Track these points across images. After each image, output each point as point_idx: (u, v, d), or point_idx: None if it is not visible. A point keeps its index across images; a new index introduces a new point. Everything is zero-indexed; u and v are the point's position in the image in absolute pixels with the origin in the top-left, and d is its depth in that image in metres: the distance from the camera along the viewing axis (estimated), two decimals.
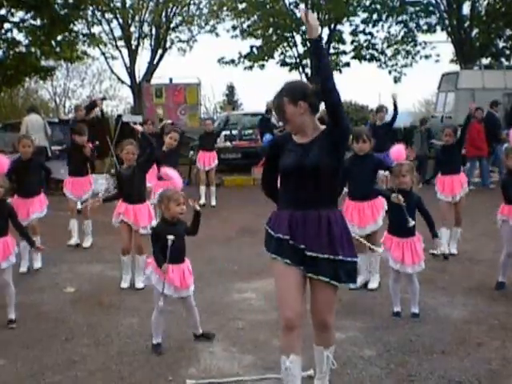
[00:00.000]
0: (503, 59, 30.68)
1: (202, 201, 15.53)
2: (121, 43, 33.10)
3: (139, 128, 10.29)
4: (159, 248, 6.40)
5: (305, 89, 4.89)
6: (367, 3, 30.18)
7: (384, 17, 30.45)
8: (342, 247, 4.84)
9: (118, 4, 31.12)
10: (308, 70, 31.34)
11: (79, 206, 11.69)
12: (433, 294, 8.24)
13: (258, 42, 31.52)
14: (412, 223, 7.24)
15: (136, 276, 8.88)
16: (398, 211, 7.35)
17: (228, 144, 22.05)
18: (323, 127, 4.92)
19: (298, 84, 5.01)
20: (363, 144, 8.40)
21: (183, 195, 6.49)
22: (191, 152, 16.22)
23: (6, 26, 22.99)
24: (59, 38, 23.59)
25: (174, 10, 32.69)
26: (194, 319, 6.73)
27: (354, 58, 31.25)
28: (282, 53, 31.70)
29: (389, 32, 31.23)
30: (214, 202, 15.75)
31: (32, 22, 23.10)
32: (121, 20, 31.96)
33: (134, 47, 33.15)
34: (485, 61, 30.25)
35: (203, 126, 16.69)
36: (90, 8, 29.36)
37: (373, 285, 8.64)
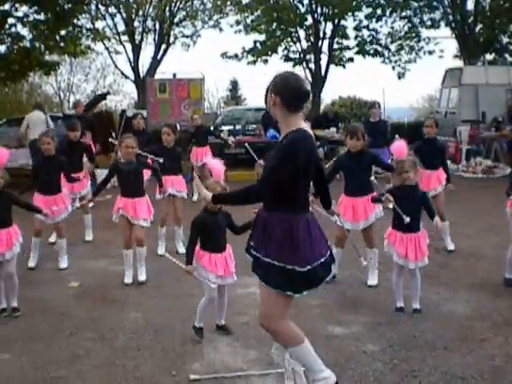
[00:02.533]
0: (507, 55, 30.62)
1: (195, 197, 15.50)
2: (124, 38, 33.10)
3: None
4: (195, 239, 6.55)
5: (283, 84, 4.87)
6: None
7: (388, 12, 30.38)
8: (277, 250, 4.85)
9: None
10: (312, 66, 31.29)
11: (77, 204, 11.49)
12: (436, 290, 8.25)
13: (262, 37, 31.47)
14: (407, 220, 7.23)
15: (138, 268, 8.93)
16: (400, 206, 7.37)
17: (231, 139, 22.01)
18: (295, 128, 4.87)
19: (282, 77, 4.94)
20: (357, 141, 8.43)
21: (222, 186, 6.46)
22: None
23: (10, 20, 22.93)
24: (63, 32, 23.55)
25: (177, 4, 32.65)
26: (223, 308, 6.89)
27: (357, 53, 31.20)
28: (285, 48, 31.64)
29: (392, 27, 31.18)
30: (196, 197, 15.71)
31: (36, 16, 23.03)
32: (124, 15, 31.95)
33: (137, 42, 33.13)
34: (489, 57, 30.25)
35: (192, 122, 16.70)
36: (94, 2, 29.35)
37: (372, 282, 8.64)
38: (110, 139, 16.00)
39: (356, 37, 31.17)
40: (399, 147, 7.72)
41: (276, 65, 33.42)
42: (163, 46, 33.51)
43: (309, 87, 5.00)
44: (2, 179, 7.66)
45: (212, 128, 20.79)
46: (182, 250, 9.78)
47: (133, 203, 8.89)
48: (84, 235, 11.41)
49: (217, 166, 6.52)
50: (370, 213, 8.52)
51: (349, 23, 34.94)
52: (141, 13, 32.53)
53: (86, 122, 15.38)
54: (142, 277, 8.85)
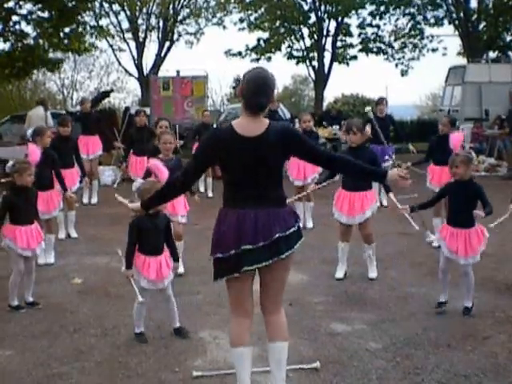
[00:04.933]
0: (510, 53, 30.61)
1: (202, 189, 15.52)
2: (128, 35, 33.23)
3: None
4: (133, 243, 6.51)
5: (244, 77, 4.91)
6: None
7: (391, 9, 30.36)
8: None
9: None
10: (315, 63, 31.30)
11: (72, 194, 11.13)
12: (438, 287, 8.24)
13: (265, 35, 31.52)
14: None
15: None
16: (456, 202, 7.32)
17: None
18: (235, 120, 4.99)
19: (246, 72, 4.96)
20: (353, 136, 8.55)
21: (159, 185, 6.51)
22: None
23: (14, 18, 23.01)
24: (67, 30, 23.62)
25: (181, 2, 32.73)
26: (172, 312, 6.77)
27: (361, 50, 31.21)
28: (289, 46, 31.68)
29: (396, 25, 31.23)
30: (210, 194, 15.74)
31: (40, 14, 23.12)
32: (128, 12, 32.00)
33: (141, 39, 33.23)
34: (492, 54, 30.21)
35: (202, 118, 16.75)
36: (98, 0, 29.38)
37: (373, 274, 8.74)
38: (115, 143, 16.02)
39: (359, 34, 31.18)
40: (455, 139, 7.60)
41: (279, 62, 33.44)
42: (167, 44, 33.61)
43: (266, 81, 4.86)
44: (33, 176, 7.78)
45: (215, 126, 20.80)
46: None
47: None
48: (67, 232, 11.31)
49: (161, 168, 6.57)
50: (366, 208, 8.58)
51: (352, 21, 34.82)
52: (145, 10, 32.64)
53: (93, 119, 15.37)
54: (180, 269, 8.85)
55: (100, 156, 15.75)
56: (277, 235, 4.74)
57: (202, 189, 15.63)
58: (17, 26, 23.29)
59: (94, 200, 14.70)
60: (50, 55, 24.85)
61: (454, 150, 7.47)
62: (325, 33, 30.76)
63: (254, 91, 4.79)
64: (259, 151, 4.76)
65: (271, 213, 4.80)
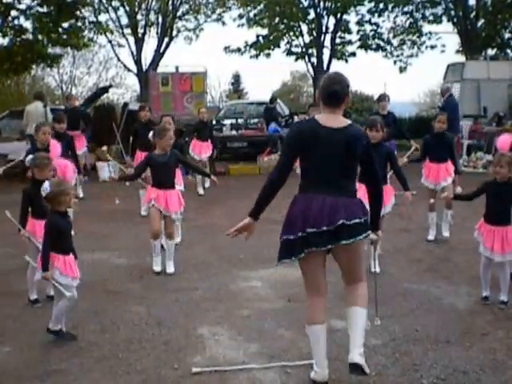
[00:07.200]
0: (509, 50, 30.64)
1: (201, 191, 15.47)
2: (127, 31, 33.12)
3: None
4: (49, 245, 6.55)
5: (320, 82, 5.39)
6: None
7: (390, 7, 30.34)
8: None
9: None
10: (314, 60, 31.28)
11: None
12: (437, 284, 8.27)
13: (265, 31, 31.48)
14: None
15: (167, 261, 9.02)
16: (495, 200, 7.42)
17: (234, 133, 22.12)
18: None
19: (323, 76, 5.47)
20: (376, 133, 8.66)
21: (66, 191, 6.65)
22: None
23: (13, 13, 22.92)
24: (66, 25, 23.56)
25: None
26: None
27: (359, 47, 31.20)
28: (288, 42, 31.64)
29: (395, 22, 31.20)
30: (207, 184, 15.73)
31: (39, 9, 23.06)
32: (127, 8, 31.94)
33: (140, 35, 33.13)
34: (490, 52, 30.23)
35: (199, 115, 16.69)
36: None
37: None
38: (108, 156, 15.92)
39: (358, 31, 31.17)
40: (504, 141, 7.72)
41: (278, 59, 33.46)
42: (166, 40, 33.49)
43: (339, 75, 5.34)
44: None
45: (214, 122, 20.77)
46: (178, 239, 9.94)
47: (165, 195, 8.92)
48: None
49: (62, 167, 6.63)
50: (388, 202, 8.78)
51: (351, 18, 34.82)
52: (144, 6, 32.54)
53: (81, 115, 15.37)
54: (170, 269, 8.97)
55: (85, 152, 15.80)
56: (341, 221, 5.00)
57: (201, 191, 15.53)
58: (16, 21, 23.23)
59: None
60: (49, 50, 24.77)
61: (501, 149, 7.61)
62: (324, 29, 30.71)
63: (329, 82, 5.27)
64: (344, 140, 5.12)
65: (339, 200, 5.10)
